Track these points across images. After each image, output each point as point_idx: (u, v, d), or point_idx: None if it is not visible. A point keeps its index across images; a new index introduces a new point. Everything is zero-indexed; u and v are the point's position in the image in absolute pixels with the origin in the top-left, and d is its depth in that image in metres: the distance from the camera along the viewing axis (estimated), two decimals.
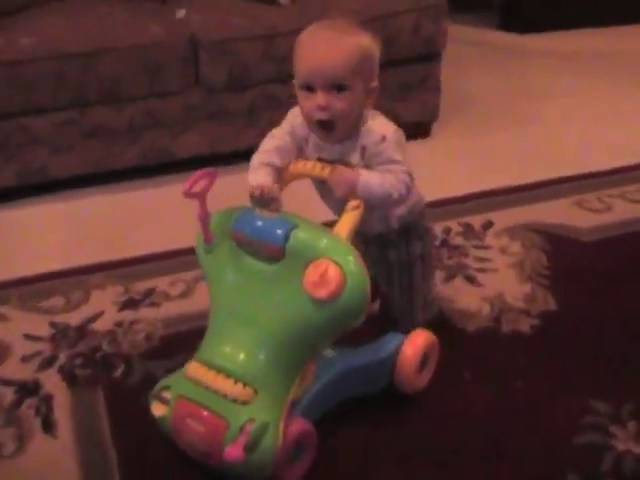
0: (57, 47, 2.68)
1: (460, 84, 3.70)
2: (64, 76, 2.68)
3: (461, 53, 3.96)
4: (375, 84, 1.58)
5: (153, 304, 2.19)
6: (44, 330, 2.08)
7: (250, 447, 1.43)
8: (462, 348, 1.95)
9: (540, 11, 4.57)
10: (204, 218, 1.59)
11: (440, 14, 3.05)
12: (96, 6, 2.86)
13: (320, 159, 1.62)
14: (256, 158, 1.62)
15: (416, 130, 3.24)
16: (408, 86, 3.16)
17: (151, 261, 2.40)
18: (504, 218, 2.55)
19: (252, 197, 1.54)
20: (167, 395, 1.56)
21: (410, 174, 1.56)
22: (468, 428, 1.71)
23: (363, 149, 1.58)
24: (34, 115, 2.70)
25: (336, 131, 1.56)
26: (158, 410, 1.57)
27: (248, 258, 1.56)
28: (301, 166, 1.62)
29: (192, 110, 2.82)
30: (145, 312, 2.16)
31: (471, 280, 2.24)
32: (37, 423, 1.76)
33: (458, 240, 2.44)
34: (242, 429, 1.44)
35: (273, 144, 1.63)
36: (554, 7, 4.55)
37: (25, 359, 1.97)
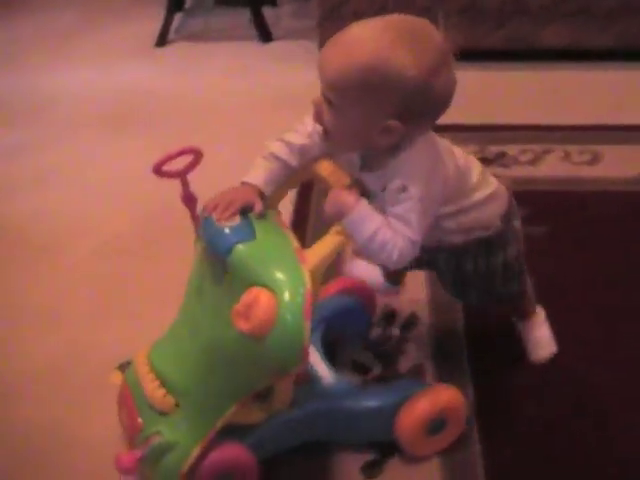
0: None
1: None
2: None
3: None
4: (392, 124, 1.20)
5: (504, 165, 2.40)
6: None
7: (146, 462, 1.29)
8: None
9: None
10: (188, 200, 1.39)
11: None
12: None
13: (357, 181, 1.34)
14: (272, 145, 1.35)
15: None
16: None
17: (505, 130, 2.59)
18: None
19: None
20: (124, 370, 1.44)
21: (414, 244, 1.25)
22: None
23: (386, 187, 1.26)
24: None
25: (332, 143, 1.30)
26: (115, 379, 1.45)
27: (208, 261, 1.34)
28: (323, 167, 1.35)
29: (560, 2, 2.90)
30: (496, 170, 2.35)
31: None
32: None
33: None
34: (147, 439, 1.30)
35: (299, 138, 1.35)
36: None
37: None
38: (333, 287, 1.68)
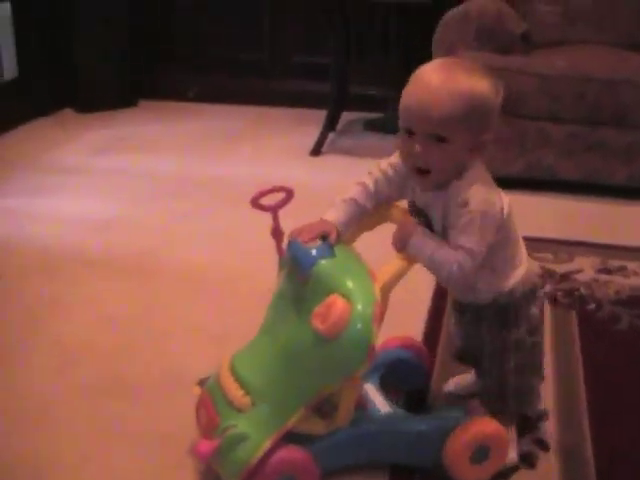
0: (584, 71, 3.24)
1: None
2: (585, 95, 3.22)
3: None
4: (487, 137, 1.41)
5: (624, 275, 2.65)
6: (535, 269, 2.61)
7: (221, 450, 1.43)
8: None
9: None
10: (276, 234, 1.60)
11: None
12: (614, 50, 3.49)
13: (412, 204, 1.53)
14: (353, 189, 1.56)
15: None
16: None
17: (625, 250, 2.86)
18: None
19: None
20: (203, 384, 1.61)
21: (473, 256, 1.39)
22: None
23: (446, 207, 1.43)
24: (552, 122, 3.27)
25: (430, 180, 1.43)
26: (195, 391, 1.61)
27: (292, 278, 1.53)
28: (386, 210, 1.56)
29: None
30: (617, 278, 2.62)
31: None
32: None
33: None
34: (224, 431, 1.44)
35: (374, 181, 1.55)
36: None
37: None
38: (394, 342, 1.83)
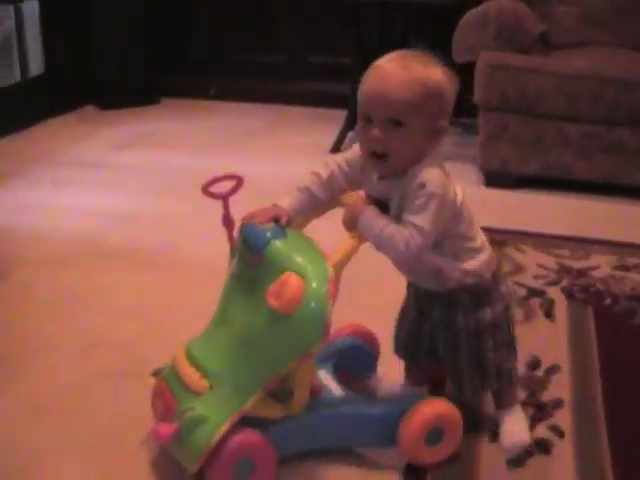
0: (602, 71, 3.27)
1: None
2: (602, 96, 3.24)
3: None
4: (443, 124, 1.45)
5: None
6: (552, 265, 2.67)
7: (181, 432, 1.43)
8: None
9: None
10: (227, 222, 1.62)
11: None
12: (632, 52, 3.56)
13: (368, 195, 1.54)
14: (308, 178, 1.58)
15: None
16: None
17: None
18: None
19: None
20: (158, 374, 1.61)
21: (423, 234, 1.41)
22: None
23: (404, 192, 1.45)
24: (569, 122, 3.29)
25: (388, 165, 1.45)
26: (150, 380, 1.60)
27: (244, 262, 1.54)
28: (348, 197, 1.58)
29: None
30: (633, 275, 2.65)
31: None
32: (540, 312, 2.33)
33: None
34: (182, 414, 1.44)
35: (328, 170, 1.57)
36: None
37: (536, 277, 2.58)
38: (345, 330, 1.86)
